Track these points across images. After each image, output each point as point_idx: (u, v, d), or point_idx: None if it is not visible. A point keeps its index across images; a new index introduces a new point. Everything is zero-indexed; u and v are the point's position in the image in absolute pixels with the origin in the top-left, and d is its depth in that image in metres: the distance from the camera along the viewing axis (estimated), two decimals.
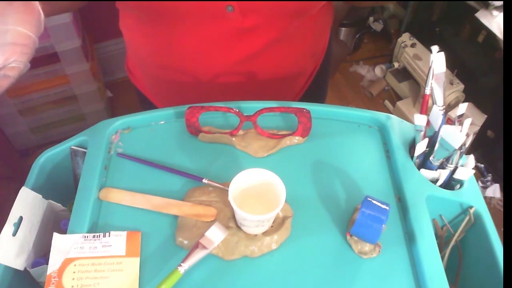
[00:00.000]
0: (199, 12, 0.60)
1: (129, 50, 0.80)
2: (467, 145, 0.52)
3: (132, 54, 0.79)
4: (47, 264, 0.48)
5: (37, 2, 0.45)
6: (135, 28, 0.70)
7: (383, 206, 0.48)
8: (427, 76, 0.55)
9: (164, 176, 0.57)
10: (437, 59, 0.54)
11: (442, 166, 0.55)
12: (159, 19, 0.63)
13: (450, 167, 0.54)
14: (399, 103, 1.81)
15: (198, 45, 0.65)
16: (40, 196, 0.54)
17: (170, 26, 0.63)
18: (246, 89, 0.71)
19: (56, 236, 0.50)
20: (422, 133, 0.55)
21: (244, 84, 0.71)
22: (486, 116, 1.56)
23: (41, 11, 0.46)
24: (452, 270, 0.57)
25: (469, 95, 1.61)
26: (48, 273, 0.47)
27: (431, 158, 0.54)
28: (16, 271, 0.50)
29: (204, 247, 0.48)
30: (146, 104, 0.85)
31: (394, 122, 0.62)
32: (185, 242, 0.50)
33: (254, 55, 0.66)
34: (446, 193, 0.55)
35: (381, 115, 0.63)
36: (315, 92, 0.85)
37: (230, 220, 0.52)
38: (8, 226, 0.49)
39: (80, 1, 0.64)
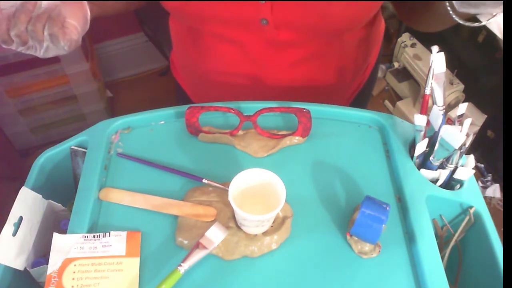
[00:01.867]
0: (236, 22, 0.60)
1: (174, 44, 0.81)
2: (467, 145, 0.52)
3: (175, 50, 0.80)
4: (47, 264, 0.48)
5: (85, 2, 0.52)
6: (176, 28, 0.73)
7: (383, 206, 0.48)
8: (427, 76, 0.55)
9: (164, 176, 0.57)
10: (437, 59, 0.54)
11: (442, 166, 0.55)
12: (199, 25, 0.64)
13: (450, 167, 0.54)
14: (399, 103, 1.81)
15: (234, 54, 0.66)
16: (40, 196, 0.54)
17: (207, 33, 0.65)
18: (280, 95, 0.71)
19: (56, 236, 0.50)
20: (422, 133, 0.55)
21: (280, 91, 0.71)
22: (486, 116, 1.56)
23: (88, 10, 0.52)
24: (452, 270, 0.57)
25: (469, 95, 1.61)
26: (48, 273, 0.47)
27: (431, 158, 0.54)
28: (16, 271, 0.50)
29: (204, 247, 0.48)
30: (182, 97, 0.87)
31: (394, 122, 0.62)
32: (185, 242, 0.50)
33: (289, 67, 0.67)
34: (446, 193, 0.55)
35: (381, 115, 0.63)
36: (359, 103, 0.84)
37: (230, 220, 0.52)
38: (8, 226, 0.49)
39: (132, 1, 0.68)
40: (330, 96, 0.75)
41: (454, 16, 0.49)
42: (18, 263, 0.49)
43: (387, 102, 1.90)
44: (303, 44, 0.64)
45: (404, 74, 1.87)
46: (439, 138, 0.51)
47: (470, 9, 0.45)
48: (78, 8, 0.50)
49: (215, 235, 0.49)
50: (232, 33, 0.63)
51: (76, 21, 0.49)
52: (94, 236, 0.50)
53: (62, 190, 0.60)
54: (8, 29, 0.47)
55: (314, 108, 0.62)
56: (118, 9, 0.66)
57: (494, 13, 0.45)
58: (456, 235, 0.55)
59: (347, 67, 0.72)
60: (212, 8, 0.58)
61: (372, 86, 0.87)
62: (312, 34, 0.62)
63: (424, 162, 0.57)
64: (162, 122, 0.64)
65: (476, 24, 0.48)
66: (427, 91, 0.55)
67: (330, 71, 0.71)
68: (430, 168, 0.55)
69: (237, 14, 0.59)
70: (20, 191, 0.53)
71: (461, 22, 0.49)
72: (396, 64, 1.86)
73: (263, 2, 0.56)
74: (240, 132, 0.61)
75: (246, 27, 0.61)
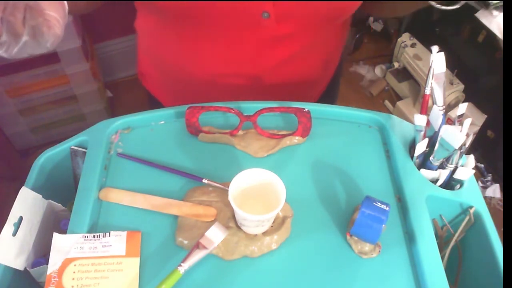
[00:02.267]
0: (234, 17, 0.59)
1: (142, 51, 0.79)
2: (467, 145, 0.52)
3: (147, 56, 0.78)
4: (47, 264, 0.48)
5: None
6: (155, 29, 0.69)
7: (383, 206, 0.48)
8: (427, 76, 0.55)
9: (164, 176, 0.57)
10: (437, 59, 0.54)
11: (442, 166, 0.55)
12: (190, 23, 0.61)
13: (450, 167, 0.54)
14: (399, 103, 1.81)
15: (228, 52, 0.65)
16: (40, 196, 0.54)
17: (199, 31, 0.63)
18: (269, 94, 0.71)
19: (56, 236, 0.50)
20: (422, 133, 0.55)
21: (269, 88, 0.70)
22: (486, 116, 1.56)
23: (66, 5, 0.45)
24: (452, 270, 0.57)
25: (469, 95, 1.61)
26: (48, 273, 0.47)
27: (431, 158, 0.54)
28: (16, 271, 0.50)
29: (204, 247, 0.48)
30: (156, 107, 0.83)
31: (394, 122, 0.62)
32: (185, 242, 0.50)
33: (284, 62, 0.66)
34: (446, 193, 0.55)
35: (381, 115, 0.63)
36: (329, 94, 0.85)
37: (230, 220, 0.52)
38: (8, 226, 0.49)
39: (95, 1, 0.63)
40: (310, 89, 0.75)
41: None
42: (18, 263, 0.49)
43: (387, 102, 1.90)
44: (298, 36, 0.63)
45: (404, 74, 1.87)
46: (439, 138, 0.51)
47: None
48: (57, 3, 0.43)
49: (215, 235, 0.49)
50: (228, 31, 0.62)
51: (56, 13, 0.42)
52: (94, 236, 0.50)
53: (62, 190, 0.60)
54: None
55: (314, 108, 0.62)
56: (83, 8, 0.61)
57: None
58: (456, 235, 0.55)
59: (327, 58, 0.73)
60: (212, 4, 0.56)
61: (339, 77, 0.87)
62: (310, 24, 0.62)
63: (424, 162, 0.57)
64: (162, 122, 0.64)
65: (450, 8, 0.48)
66: (427, 91, 0.55)
67: (317, 64, 0.71)
68: (430, 168, 0.55)
69: (237, 7, 0.57)
70: (20, 191, 0.53)
71: (434, 4, 0.49)
72: (396, 64, 1.86)
73: None
74: (240, 132, 0.61)
75: (244, 23, 0.60)
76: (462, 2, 0.47)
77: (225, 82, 0.70)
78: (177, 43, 0.68)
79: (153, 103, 0.85)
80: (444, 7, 0.49)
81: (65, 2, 0.44)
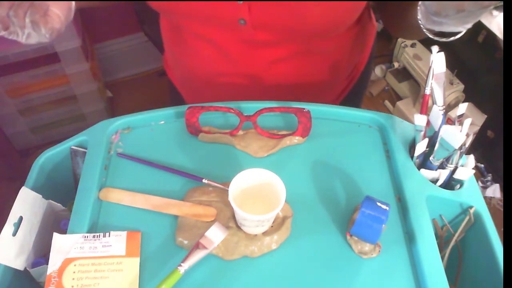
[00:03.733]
0: (214, 21, 0.61)
1: (164, 44, 0.81)
2: (467, 145, 0.52)
3: (167, 48, 0.81)
4: (47, 264, 0.48)
5: None
6: (166, 27, 0.73)
7: (383, 206, 0.48)
8: (427, 76, 0.55)
9: (164, 176, 0.57)
10: (437, 59, 0.54)
11: (442, 166, 0.55)
12: (182, 24, 0.64)
13: (450, 167, 0.54)
14: (399, 103, 1.81)
15: (217, 53, 0.66)
16: (40, 196, 0.54)
17: (185, 33, 0.65)
18: (275, 91, 0.71)
19: (56, 236, 0.50)
20: (422, 133, 0.55)
21: (273, 86, 0.71)
22: (486, 116, 1.56)
23: (74, 3, 0.51)
24: (452, 270, 0.57)
25: (469, 95, 1.61)
26: (48, 273, 0.47)
27: (431, 158, 0.54)
28: (16, 271, 0.50)
29: (204, 247, 0.48)
30: (176, 98, 0.87)
31: (394, 122, 0.62)
32: (185, 242, 0.50)
33: (276, 63, 0.66)
34: (446, 193, 0.55)
35: (381, 115, 0.63)
36: (351, 101, 0.84)
37: (230, 220, 0.52)
38: (8, 226, 0.49)
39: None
40: (317, 95, 0.75)
41: (424, 30, 0.50)
42: (18, 263, 0.49)
43: (387, 102, 1.90)
44: (281, 44, 0.63)
45: (404, 74, 1.87)
46: (439, 138, 0.51)
47: (435, 27, 0.47)
48: None
49: (215, 235, 0.49)
50: (211, 32, 0.63)
51: (59, 10, 0.49)
52: (94, 236, 0.50)
53: (62, 190, 0.60)
54: None
55: (314, 108, 0.62)
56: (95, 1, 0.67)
57: (458, 31, 0.47)
58: (456, 235, 0.55)
59: (332, 66, 0.72)
60: (190, 6, 0.58)
61: (363, 87, 0.87)
62: (289, 36, 0.62)
63: (424, 162, 0.57)
64: (162, 122, 0.64)
65: (444, 39, 0.50)
66: (427, 91, 0.55)
67: (315, 70, 0.71)
68: (430, 168, 0.55)
69: (214, 14, 0.59)
70: (20, 191, 0.53)
71: (430, 35, 0.51)
72: (396, 64, 1.86)
73: (241, 2, 0.56)
74: (240, 132, 0.61)
75: (224, 26, 0.61)
76: (460, 34, 0.48)
77: (224, 80, 0.70)
78: (180, 40, 0.70)
79: (173, 93, 0.88)
80: (440, 39, 0.50)
81: (72, 2, 0.51)
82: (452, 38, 0.50)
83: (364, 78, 0.84)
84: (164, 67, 0.87)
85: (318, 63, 0.70)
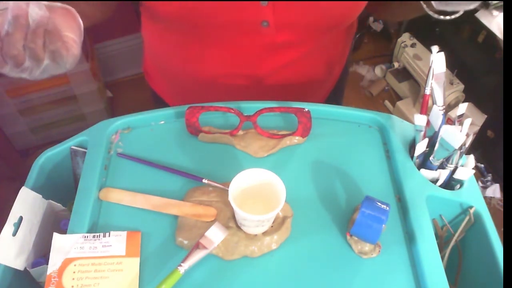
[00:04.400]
0: (234, 26, 0.59)
1: (148, 54, 0.79)
2: (467, 145, 0.52)
3: (153, 59, 0.78)
4: (47, 264, 0.48)
5: (74, 9, 0.45)
6: (159, 35, 0.70)
7: (383, 206, 0.48)
8: (427, 76, 0.55)
9: (164, 176, 0.57)
10: (437, 59, 0.54)
11: (442, 166, 0.55)
12: (193, 30, 0.62)
13: (450, 167, 0.54)
14: (399, 103, 1.81)
15: (229, 58, 0.66)
16: (40, 196, 0.54)
17: (203, 37, 0.63)
18: (271, 95, 0.71)
19: (56, 236, 0.50)
20: (422, 133, 0.55)
21: (270, 93, 0.71)
22: (486, 116, 1.56)
23: (81, 21, 0.46)
24: (452, 270, 0.57)
25: (469, 95, 1.61)
26: (48, 273, 0.47)
27: (431, 158, 0.54)
28: (16, 271, 0.50)
29: (204, 247, 0.48)
30: (160, 105, 0.85)
31: (394, 122, 0.62)
32: (185, 242, 0.50)
33: (284, 66, 0.67)
34: (446, 193, 0.55)
35: (381, 115, 0.63)
36: (334, 97, 0.85)
37: (230, 220, 0.52)
38: (8, 226, 0.49)
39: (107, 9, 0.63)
40: (315, 91, 0.76)
41: (426, 8, 0.49)
42: (18, 263, 0.49)
43: (387, 102, 1.90)
44: (299, 44, 0.64)
45: (404, 74, 1.87)
46: (439, 138, 0.51)
47: (447, 7, 0.46)
48: (71, 19, 0.44)
49: (215, 235, 0.49)
50: (229, 37, 0.62)
51: (73, 34, 0.44)
52: (94, 236, 0.50)
53: (62, 190, 0.60)
54: (0, 50, 0.40)
55: (314, 108, 0.62)
56: (97, 19, 0.61)
57: (467, 8, 0.46)
58: (456, 235, 0.55)
59: (332, 61, 0.73)
60: (211, 12, 0.56)
61: (345, 80, 0.88)
62: (310, 33, 0.62)
63: (424, 162, 0.57)
64: (162, 122, 0.64)
65: (447, 18, 0.49)
66: (427, 91, 0.55)
67: (320, 67, 0.71)
68: (430, 168, 0.55)
69: (237, 17, 0.58)
70: (20, 191, 0.53)
71: (431, 13, 0.50)
72: (396, 64, 1.86)
73: (265, 3, 0.56)
74: (240, 132, 0.61)
75: (245, 30, 0.60)
76: (460, 13, 0.48)
77: (227, 83, 0.70)
78: (180, 48, 0.68)
79: (157, 101, 0.86)
80: (441, 17, 0.49)
81: (80, 21, 0.45)
82: (453, 16, 0.49)
83: (344, 75, 0.85)
84: (145, 76, 0.84)
85: (319, 61, 0.70)
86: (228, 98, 0.65)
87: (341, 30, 0.68)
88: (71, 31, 0.43)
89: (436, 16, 0.50)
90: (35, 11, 0.40)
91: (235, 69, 0.68)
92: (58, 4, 0.44)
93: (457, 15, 0.49)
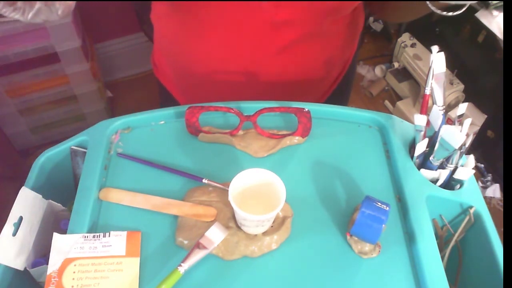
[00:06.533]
0: (233, 2, 0.59)
1: (156, 42, 0.80)
2: (467, 145, 0.52)
3: (160, 46, 0.79)
4: (47, 264, 0.48)
5: None
6: (166, 16, 0.71)
7: (383, 206, 0.48)
8: (427, 76, 0.55)
9: (164, 176, 0.57)
10: (437, 59, 0.54)
11: (442, 166, 0.55)
12: (191, 7, 0.62)
13: (450, 167, 0.54)
14: (399, 103, 1.81)
15: (229, 37, 0.65)
16: (40, 196, 0.54)
17: (201, 15, 0.64)
18: (271, 89, 0.71)
19: (56, 236, 0.50)
20: (422, 133, 0.55)
21: (270, 83, 0.70)
22: (486, 116, 1.56)
23: None
24: (452, 270, 0.57)
25: (469, 95, 1.61)
26: (48, 273, 0.47)
27: (431, 158, 0.54)
28: (16, 271, 0.50)
29: (204, 247, 0.48)
30: (167, 99, 0.85)
31: (394, 122, 0.62)
32: (185, 242, 0.50)
33: (283, 50, 0.66)
34: (446, 193, 0.55)
35: (381, 115, 0.63)
36: (338, 98, 0.85)
37: (230, 220, 0.52)
38: (8, 226, 0.49)
39: None
40: (312, 88, 0.75)
41: (430, 6, 0.49)
42: (18, 263, 0.49)
43: (387, 102, 1.90)
44: (297, 24, 0.63)
45: (404, 74, 1.87)
46: (439, 138, 0.51)
47: (451, 1, 0.46)
48: None
49: (215, 235, 0.49)
50: (229, 15, 0.62)
51: None
52: (94, 236, 0.50)
53: (62, 190, 0.60)
54: None
55: (314, 108, 0.62)
56: None
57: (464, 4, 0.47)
58: (456, 235, 0.55)
59: (331, 56, 0.73)
60: None
61: (350, 82, 0.87)
62: (308, 13, 0.62)
63: (424, 162, 0.57)
64: (162, 122, 0.64)
65: (450, 14, 0.49)
66: (427, 91, 0.55)
67: (319, 60, 0.71)
68: (430, 168, 0.55)
69: None
70: (20, 191, 0.53)
71: (436, 10, 0.50)
72: (396, 64, 1.86)
73: None
74: (240, 132, 0.61)
75: (244, 6, 0.60)
76: (464, 8, 0.48)
77: (226, 70, 0.70)
78: (181, 29, 0.68)
79: (163, 94, 0.86)
80: (445, 13, 0.49)
81: None
82: (457, 12, 0.49)
83: (349, 77, 0.85)
84: (153, 68, 0.85)
85: (318, 52, 0.70)
86: (224, 93, 0.65)
87: (341, 22, 0.68)
88: None
89: (439, 12, 0.50)
90: None
91: (235, 52, 0.67)
92: None
93: (460, 11, 0.49)
